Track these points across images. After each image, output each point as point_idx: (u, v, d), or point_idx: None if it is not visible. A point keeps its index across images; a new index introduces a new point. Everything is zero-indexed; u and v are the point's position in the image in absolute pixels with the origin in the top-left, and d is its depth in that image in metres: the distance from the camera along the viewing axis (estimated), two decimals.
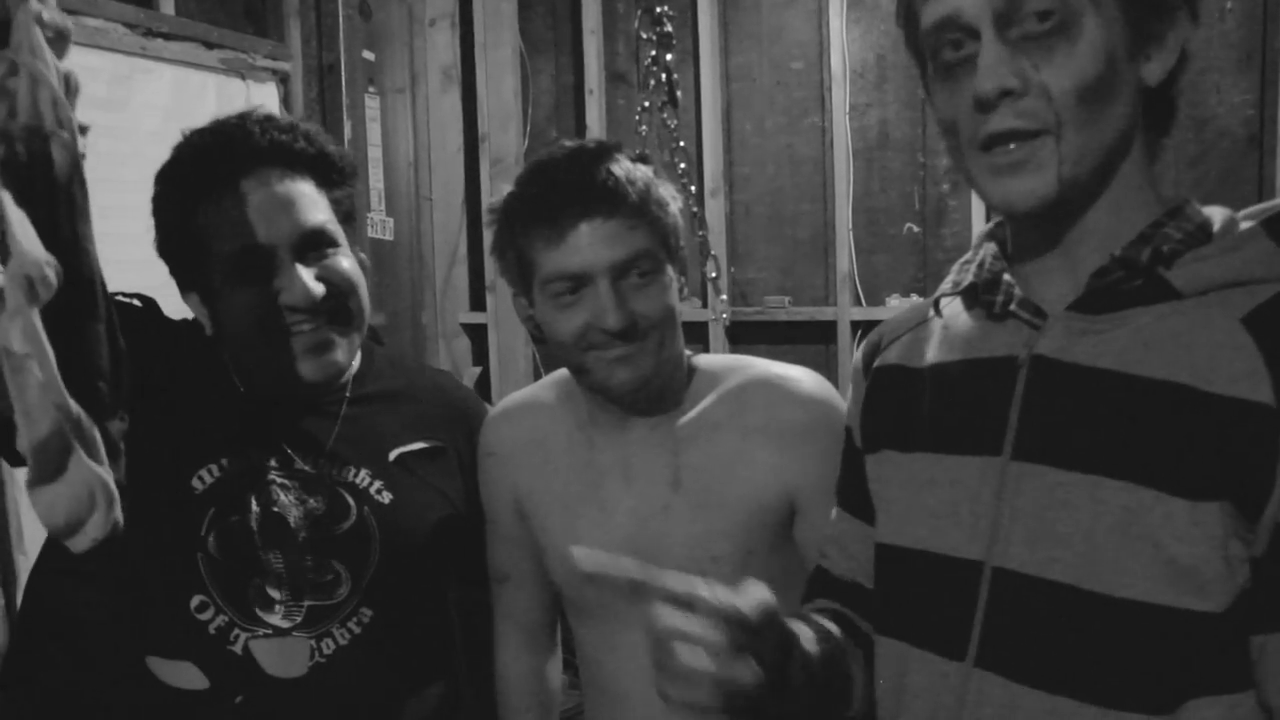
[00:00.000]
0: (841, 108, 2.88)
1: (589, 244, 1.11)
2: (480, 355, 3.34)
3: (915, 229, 2.90)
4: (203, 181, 1.17)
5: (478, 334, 3.34)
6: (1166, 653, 0.75)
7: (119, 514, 0.84)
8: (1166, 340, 0.77)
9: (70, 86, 0.84)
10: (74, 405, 0.80)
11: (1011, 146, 0.79)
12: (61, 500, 0.82)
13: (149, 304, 1.24)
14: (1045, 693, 0.79)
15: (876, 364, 0.99)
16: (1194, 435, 0.74)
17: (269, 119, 1.20)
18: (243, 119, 1.20)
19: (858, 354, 1.03)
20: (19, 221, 0.79)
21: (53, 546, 1.23)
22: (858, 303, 2.90)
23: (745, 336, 3.00)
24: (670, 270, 1.18)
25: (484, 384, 3.26)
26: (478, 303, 3.34)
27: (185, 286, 1.23)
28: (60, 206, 0.83)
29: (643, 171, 1.16)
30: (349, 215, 1.26)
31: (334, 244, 1.20)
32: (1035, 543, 0.80)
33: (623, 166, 1.14)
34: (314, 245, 1.18)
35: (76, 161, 0.84)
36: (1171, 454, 0.75)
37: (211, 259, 1.16)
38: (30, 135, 0.82)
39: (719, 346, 2.98)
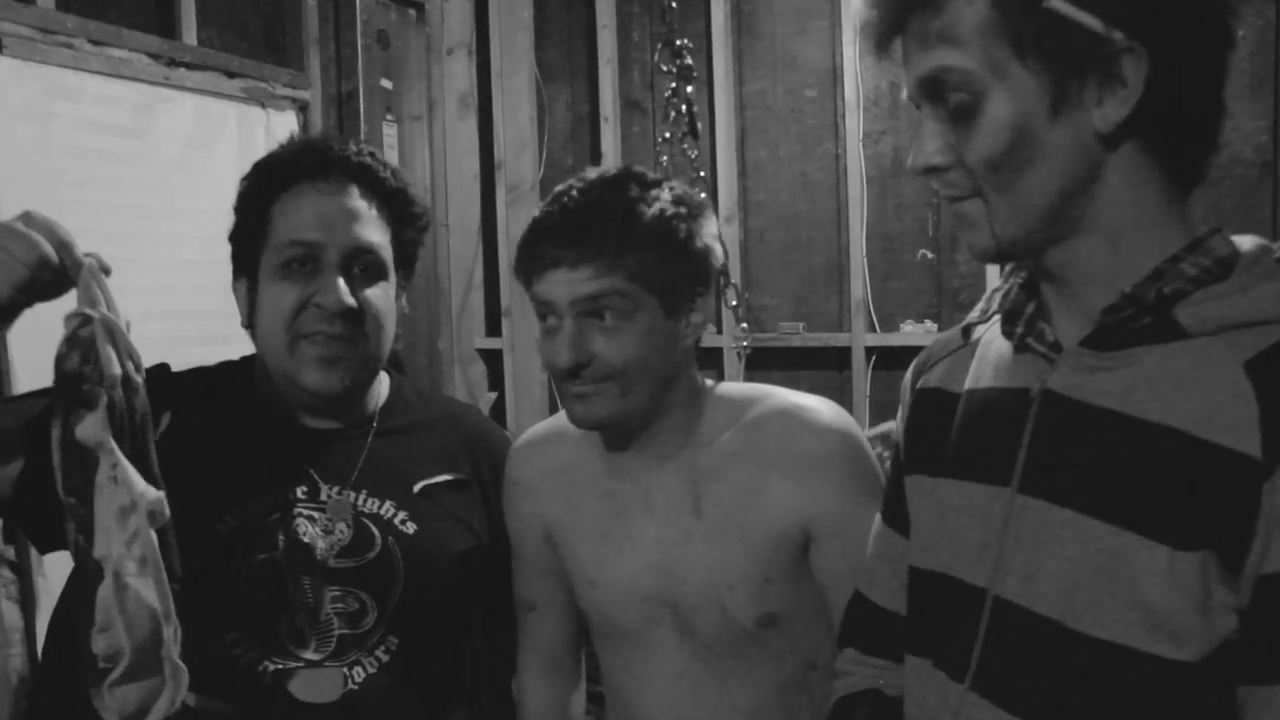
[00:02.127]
0: (855, 135, 2.90)
1: (557, 283, 1.14)
2: (496, 380, 3.36)
3: (929, 255, 2.90)
4: (287, 173, 1.24)
5: (493, 359, 3.36)
6: (1142, 697, 0.75)
7: (182, 694, 0.97)
8: (1168, 382, 0.76)
9: (129, 328, 0.99)
10: (173, 610, 0.96)
11: (954, 201, 0.83)
12: (135, 692, 0.96)
13: (164, 368, 1.29)
14: None
15: (919, 385, 1.00)
16: (1182, 482, 0.73)
17: (373, 151, 1.29)
18: (347, 139, 1.30)
19: (908, 372, 1.04)
20: (125, 462, 0.94)
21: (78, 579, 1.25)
22: (872, 329, 2.91)
23: (760, 362, 3.01)
24: (656, 317, 1.15)
25: (499, 409, 3.27)
26: (494, 328, 3.36)
27: (238, 273, 1.29)
28: (139, 441, 0.98)
29: (652, 214, 1.14)
30: (407, 260, 1.31)
31: (381, 274, 1.25)
32: (1029, 575, 0.81)
33: (609, 216, 1.13)
34: (362, 264, 1.23)
35: (146, 400, 0.99)
36: (1159, 500, 0.74)
37: (268, 247, 1.22)
38: (117, 384, 0.96)
39: (733, 372, 2.99)
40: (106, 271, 0.99)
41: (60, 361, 0.95)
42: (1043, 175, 0.78)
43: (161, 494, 0.96)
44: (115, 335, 0.96)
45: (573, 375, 1.15)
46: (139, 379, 0.98)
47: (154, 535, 0.95)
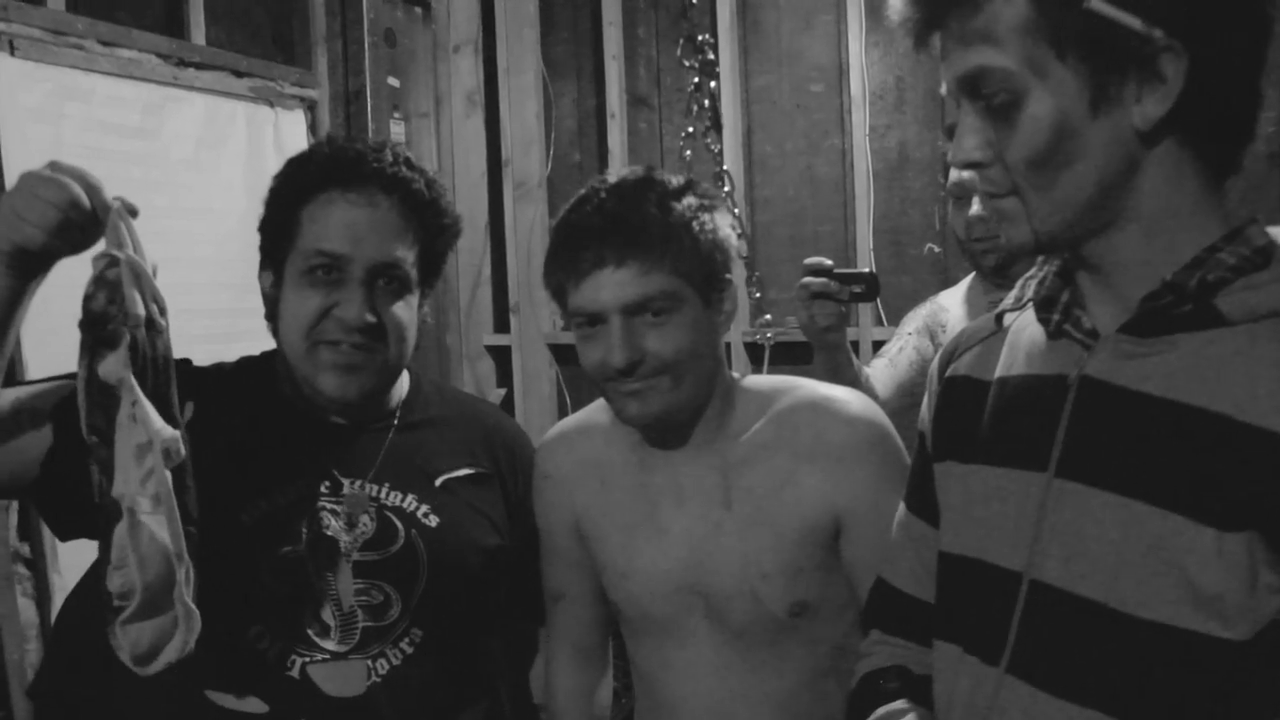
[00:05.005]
0: (861, 129, 2.89)
1: (602, 286, 1.15)
2: (504, 377, 3.37)
3: (936, 249, 2.90)
4: (320, 178, 1.23)
5: (502, 356, 3.37)
6: (1189, 676, 0.75)
7: (194, 639, 0.98)
8: (1209, 368, 0.77)
9: (155, 272, 1.01)
10: (185, 552, 0.97)
11: (992, 198, 0.84)
12: (149, 632, 0.97)
13: (186, 362, 1.29)
14: (1069, 703, 0.81)
15: (948, 373, 1.01)
16: (1226, 465, 0.74)
17: (409, 158, 1.27)
18: (384, 144, 1.28)
19: (935, 360, 1.05)
20: (144, 400, 0.96)
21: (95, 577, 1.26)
22: (880, 323, 2.91)
23: (768, 356, 3.01)
24: (698, 309, 1.18)
25: (508, 405, 3.28)
26: (501, 325, 3.37)
27: (265, 265, 1.28)
28: (160, 383, 1.00)
29: (681, 208, 1.17)
30: (434, 272, 1.31)
31: (406, 287, 1.25)
32: (1069, 558, 0.82)
33: (646, 211, 1.15)
34: (387, 278, 1.23)
35: (169, 342, 1.01)
36: (1203, 482, 0.75)
37: (296, 250, 1.22)
38: (140, 324, 0.98)
39: (742, 366, 3.00)
40: (134, 214, 1.01)
41: (87, 301, 0.98)
42: (1081, 173, 0.79)
43: (177, 433, 0.97)
44: (140, 277, 0.98)
45: (629, 373, 1.16)
46: (163, 322, 1.00)
47: (168, 475, 0.96)
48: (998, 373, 0.94)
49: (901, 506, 1.06)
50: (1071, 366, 0.85)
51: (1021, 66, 0.77)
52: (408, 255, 1.24)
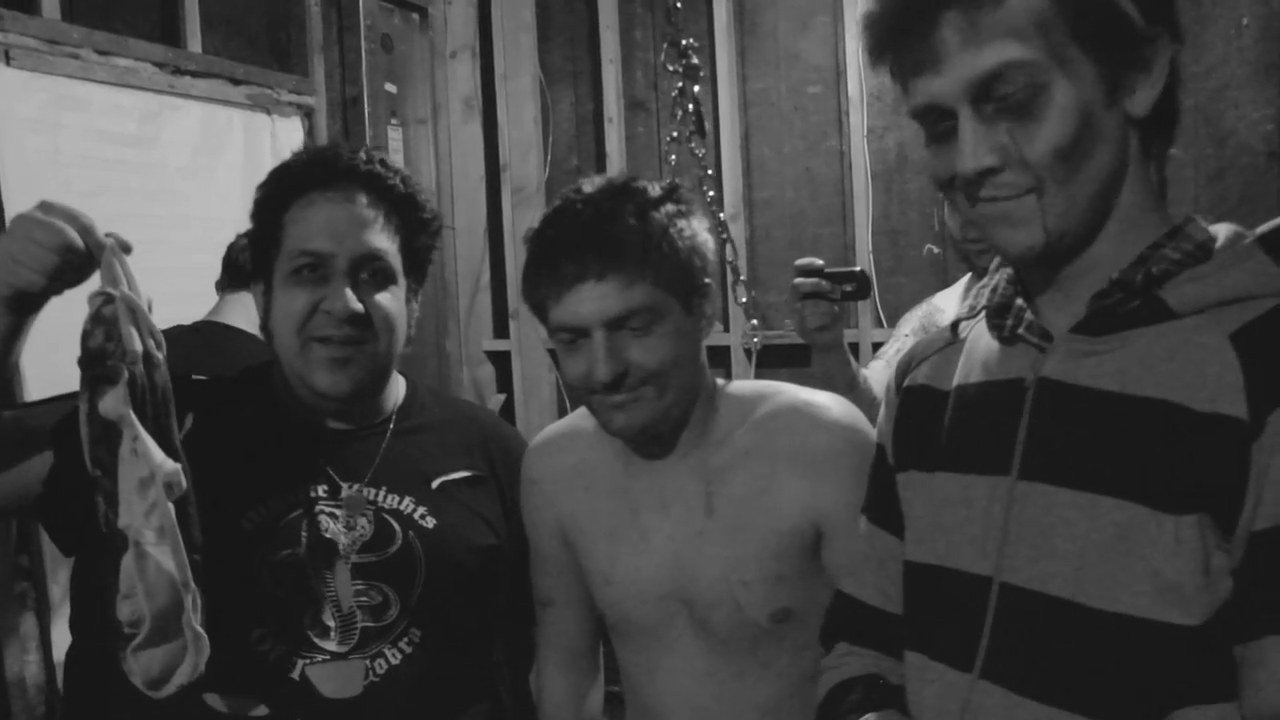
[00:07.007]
0: (859, 131, 2.90)
1: (584, 300, 1.14)
2: (504, 382, 3.37)
3: (935, 250, 2.90)
4: (298, 182, 1.26)
5: (501, 361, 3.37)
6: (1154, 665, 0.77)
7: (204, 662, 1.00)
8: (1160, 359, 0.79)
9: (150, 308, 1.02)
10: (191, 580, 0.99)
11: (997, 201, 0.82)
12: (159, 658, 0.99)
13: (186, 374, 1.30)
14: (1042, 704, 0.81)
15: (906, 384, 1.01)
16: (1179, 452, 0.76)
17: (384, 159, 1.30)
18: (358, 148, 1.31)
19: (891, 373, 1.05)
20: (145, 435, 0.98)
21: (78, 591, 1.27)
22: (879, 324, 2.91)
23: (766, 359, 3.01)
24: (680, 318, 1.17)
25: (508, 411, 3.28)
26: (501, 330, 3.37)
27: (255, 276, 1.31)
28: (160, 416, 1.01)
29: (659, 217, 1.16)
30: (418, 265, 1.33)
31: (390, 278, 1.27)
32: (1037, 559, 0.83)
33: (624, 223, 1.14)
34: (370, 270, 1.25)
35: (167, 376, 1.02)
36: (1160, 471, 0.77)
37: (281, 255, 1.25)
38: (138, 360, 0.99)
39: (741, 371, 2.99)
40: (127, 250, 1.03)
41: (85, 339, 0.99)
42: (1099, 162, 0.81)
43: (178, 466, 0.99)
44: (136, 313, 1.00)
45: (613, 387, 1.15)
46: (160, 355, 1.02)
47: (171, 506, 0.98)
48: (955, 381, 0.95)
49: (863, 519, 1.06)
50: (1028, 370, 0.86)
51: (1046, 57, 0.78)
52: (389, 246, 1.26)
